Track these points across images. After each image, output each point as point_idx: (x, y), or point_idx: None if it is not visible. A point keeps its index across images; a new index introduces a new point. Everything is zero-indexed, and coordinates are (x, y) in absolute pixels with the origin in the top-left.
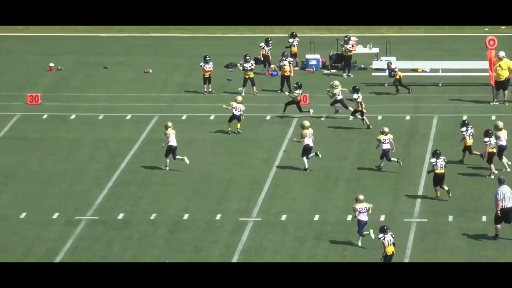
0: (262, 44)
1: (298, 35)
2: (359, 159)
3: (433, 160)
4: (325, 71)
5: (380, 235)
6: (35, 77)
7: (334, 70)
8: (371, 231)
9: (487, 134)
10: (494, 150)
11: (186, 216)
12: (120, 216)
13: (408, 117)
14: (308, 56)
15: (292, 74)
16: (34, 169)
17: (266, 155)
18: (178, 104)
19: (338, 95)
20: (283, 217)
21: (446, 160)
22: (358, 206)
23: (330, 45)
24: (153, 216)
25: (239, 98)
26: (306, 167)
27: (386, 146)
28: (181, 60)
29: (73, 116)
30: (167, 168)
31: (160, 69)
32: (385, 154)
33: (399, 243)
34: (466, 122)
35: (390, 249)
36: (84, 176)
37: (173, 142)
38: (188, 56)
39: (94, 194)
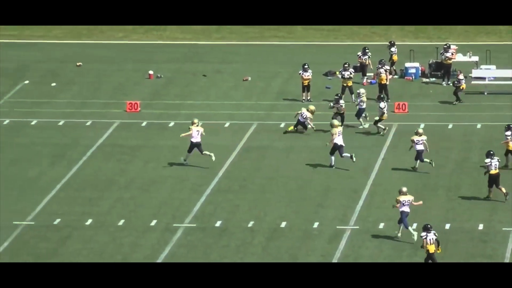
0: (359, 53)
1: (396, 43)
2: (458, 167)
3: (488, 160)
4: (424, 80)
5: (423, 234)
6: (135, 84)
7: (433, 79)
8: (415, 234)
9: None
10: None
11: (283, 224)
12: (218, 223)
13: None
14: (407, 65)
15: (388, 82)
16: (132, 176)
17: (364, 163)
18: (276, 112)
19: (362, 104)
20: (381, 225)
21: (499, 161)
22: (402, 198)
23: (430, 53)
24: (250, 224)
25: (312, 107)
26: (332, 163)
27: (419, 147)
28: (280, 68)
29: (171, 124)
30: (186, 161)
31: (259, 77)
32: (418, 155)
33: (497, 252)
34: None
35: (432, 248)
36: (182, 184)
37: (196, 138)
38: (287, 64)
39: (192, 201)
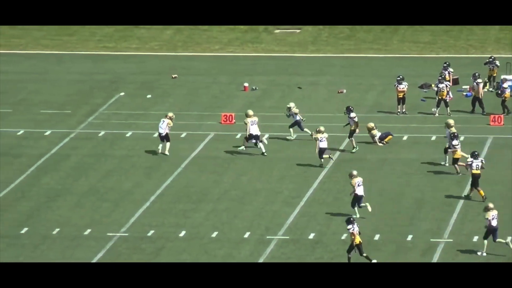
0: (446, 64)
1: (492, 55)
2: None
3: (470, 160)
4: None
5: (349, 226)
6: (230, 97)
7: None
8: (368, 204)
9: None
10: None
11: (377, 237)
12: (311, 236)
13: None
14: (504, 77)
15: (481, 96)
16: (226, 188)
17: (458, 176)
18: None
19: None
20: (475, 238)
21: (483, 162)
22: (356, 180)
23: None
24: (343, 236)
25: (370, 124)
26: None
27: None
28: (375, 80)
29: (266, 136)
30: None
31: (354, 89)
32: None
33: None
34: None
35: (358, 239)
36: (276, 196)
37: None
38: (382, 76)
39: (285, 213)
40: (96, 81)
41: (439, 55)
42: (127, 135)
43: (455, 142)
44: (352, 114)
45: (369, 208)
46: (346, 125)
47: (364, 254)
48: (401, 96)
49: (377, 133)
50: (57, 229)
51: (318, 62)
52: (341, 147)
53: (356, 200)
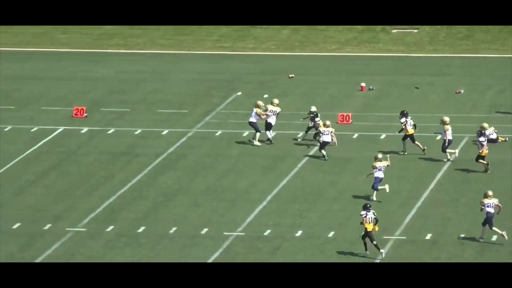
0: None
1: None
2: None
3: (403, 120)
4: None
5: (363, 212)
6: (346, 96)
7: None
8: (387, 186)
9: None
10: None
11: (494, 238)
12: (428, 236)
13: None
14: None
15: None
16: (342, 188)
17: None
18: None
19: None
20: None
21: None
22: (378, 164)
23: None
24: (462, 235)
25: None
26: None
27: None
28: (493, 81)
29: (383, 136)
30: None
31: (472, 89)
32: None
33: None
34: None
35: (369, 226)
36: (393, 196)
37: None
38: (500, 77)
39: (403, 213)
40: (214, 80)
41: None
42: (244, 134)
43: (481, 138)
44: (403, 120)
45: (387, 189)
46: (401, 130)
47: (374, 242)
48: None
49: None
50: (174, 228)
51: (436, 62)
52: (457, 149)
53: (375, 182)
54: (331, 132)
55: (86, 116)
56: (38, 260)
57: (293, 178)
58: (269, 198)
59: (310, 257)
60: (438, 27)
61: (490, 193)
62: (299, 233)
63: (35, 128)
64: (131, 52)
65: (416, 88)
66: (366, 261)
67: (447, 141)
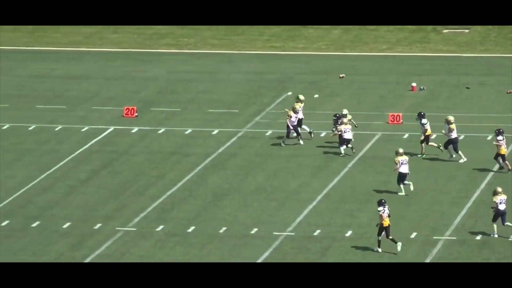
0: None
1: None
2: None
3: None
4: None
5: (380, 208)
6: (397, 97)
7: None
8: (411, 183)
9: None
10: None
11: None
12: (478, 237)
13: None
14: None
15: None
16: (392, 188)
17: None
18: None
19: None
20: None
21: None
22: (400, 158)
23: None
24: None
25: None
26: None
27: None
28: None
29: (433, 136)
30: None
31: None
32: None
33: None
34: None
35: (386, 222)
36: (443, 196)
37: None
38: None
39: (453, 214)
40: (264, 80)
41: None
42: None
43: (500, 137)
44: (424, 121)
45: (411, 187)
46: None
47: (390, 237)
48: None
49: None
50: (224, 228)
51: (487, 62)
52: (509, 149)
53: (400, 178)
54: (350, 129)
55: (136, 116)
56: (88, 260)
57: (343, 178)
58: (319, 198)
59: (360, 258)
60: (490, 27)
61: (499, 189)
62: (349, 233)
63: (86, 128)
64: (182, 52)
65: (467, 88)
66: (416, 261)
67: (451, 139)
